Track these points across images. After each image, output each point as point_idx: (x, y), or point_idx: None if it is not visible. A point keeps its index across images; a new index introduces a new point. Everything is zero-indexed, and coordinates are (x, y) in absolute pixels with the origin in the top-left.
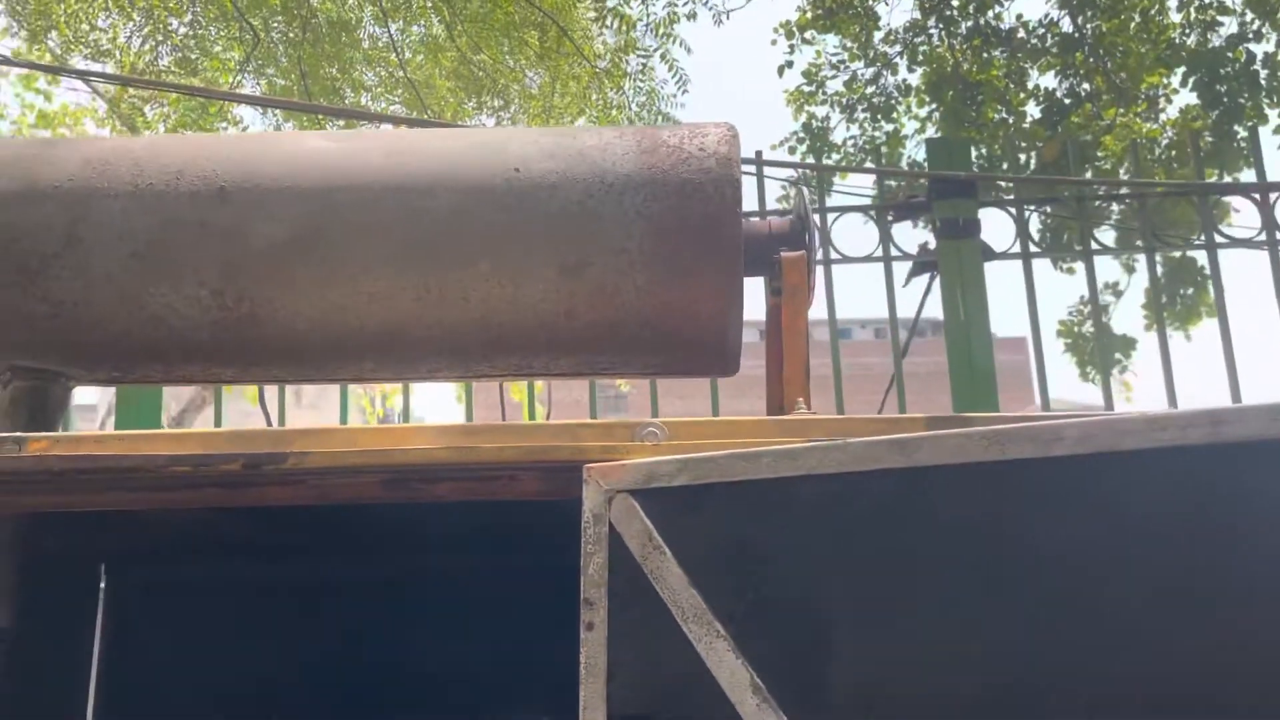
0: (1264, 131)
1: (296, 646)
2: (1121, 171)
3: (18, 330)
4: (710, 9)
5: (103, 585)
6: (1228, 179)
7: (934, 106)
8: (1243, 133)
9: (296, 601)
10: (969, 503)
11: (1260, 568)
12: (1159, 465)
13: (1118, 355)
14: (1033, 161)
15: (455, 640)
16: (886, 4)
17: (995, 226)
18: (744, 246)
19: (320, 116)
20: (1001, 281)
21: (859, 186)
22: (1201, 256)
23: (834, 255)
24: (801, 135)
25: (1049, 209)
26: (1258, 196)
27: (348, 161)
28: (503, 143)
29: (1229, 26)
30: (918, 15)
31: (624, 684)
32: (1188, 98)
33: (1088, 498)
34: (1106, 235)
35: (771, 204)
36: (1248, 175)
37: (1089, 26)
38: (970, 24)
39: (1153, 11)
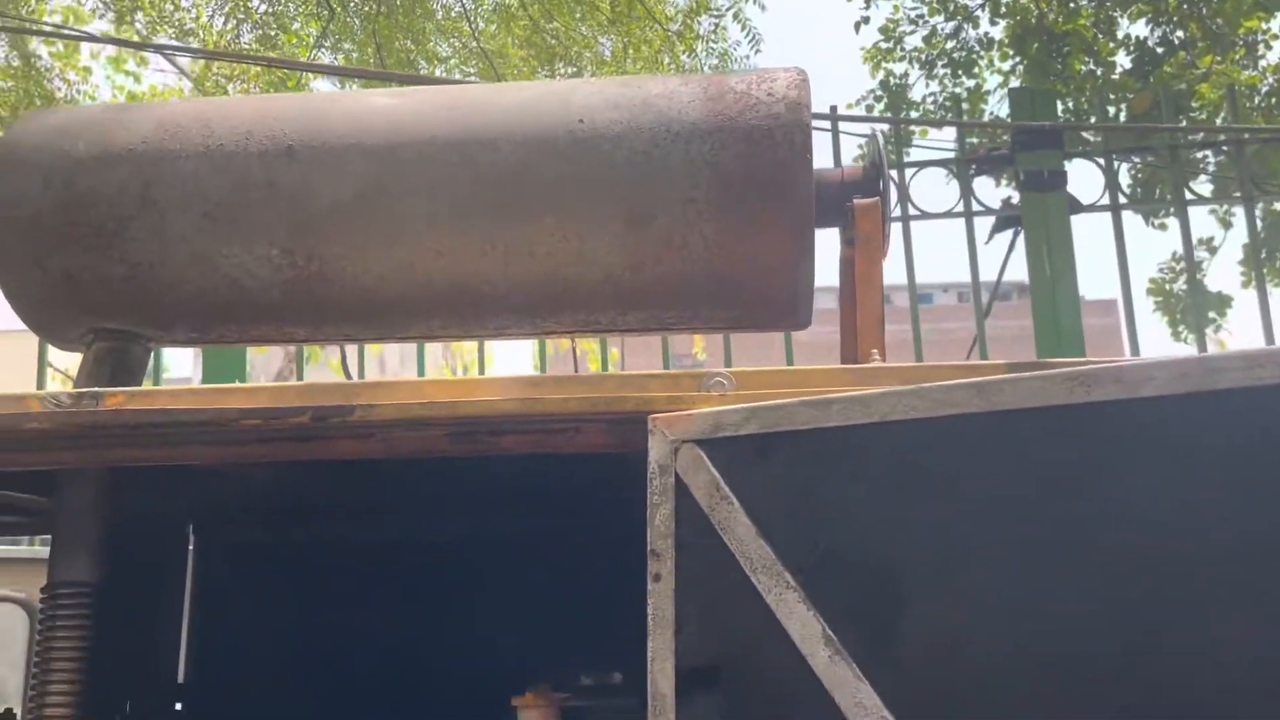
0: None
1: (374, 606)
2: (1218, 121)
3: (98, 292)
4: None
5: (191, 545)
6: None
7: (1017, 60)
8: None
9: (374, 561)
10: (1051, 449)
11: None
12: (1255, 405)
13: (1212, 314)
14: (1122, 115)
15: (525, 599)
16: None
17: (1082, 182)
18: (815, 195)
19: (396, 85)
20: (1089, 242)
21: (940, 142)
22: None
23: (913, 212)
24: (879, 93)
25: (1140, 160)
26: None
27: (411, 118)
28: (566, 94)
29: None
30: None
31: (692, 635)
32: None
33: (1178, 442)
34: (1202, 188)
35: (847, 164)
36: None
37: None
38: None
39: None
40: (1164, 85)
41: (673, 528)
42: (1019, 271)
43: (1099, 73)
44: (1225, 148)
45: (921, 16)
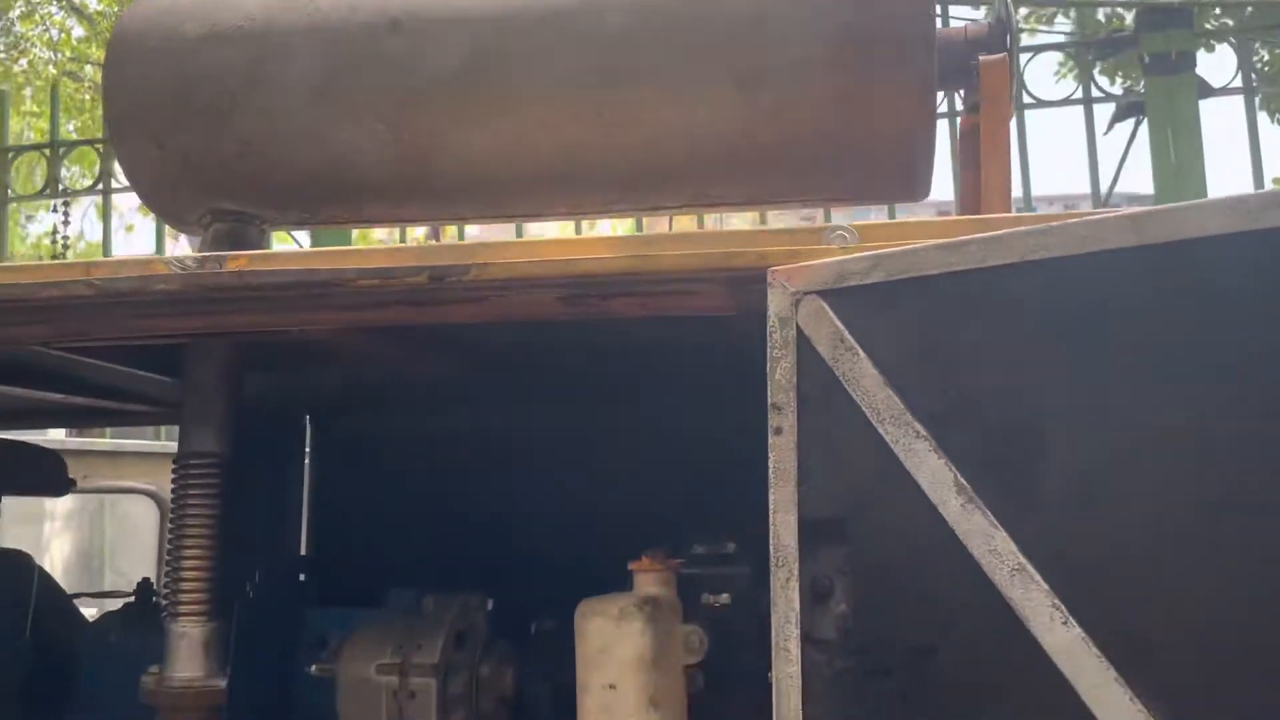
0: None
1: (488, 491)
2: None
3: (213, 171)
4: None
5: (308, 433)
6: None
7: None
8: None
9: (486, 446)
10: (1210, 283)
11: None
12: None
13: None
14: None
15: (639, 476)
16: None
17: (1210, 68)
18: (937, 54)
19: None
20: (1215, 137)
21: (1055, 31)
22: None
23: (1027, 100)
24: None
25: (1275, 42)
26: None
27: None
28: None
29: None
30: None
31: (815, 488)
32: None
33: None
34: None
35: None
36: None
37: None
38: None
39: None
40: None
41: (794, 381)
42: (1131, 182)
43: None
44: None
45: None
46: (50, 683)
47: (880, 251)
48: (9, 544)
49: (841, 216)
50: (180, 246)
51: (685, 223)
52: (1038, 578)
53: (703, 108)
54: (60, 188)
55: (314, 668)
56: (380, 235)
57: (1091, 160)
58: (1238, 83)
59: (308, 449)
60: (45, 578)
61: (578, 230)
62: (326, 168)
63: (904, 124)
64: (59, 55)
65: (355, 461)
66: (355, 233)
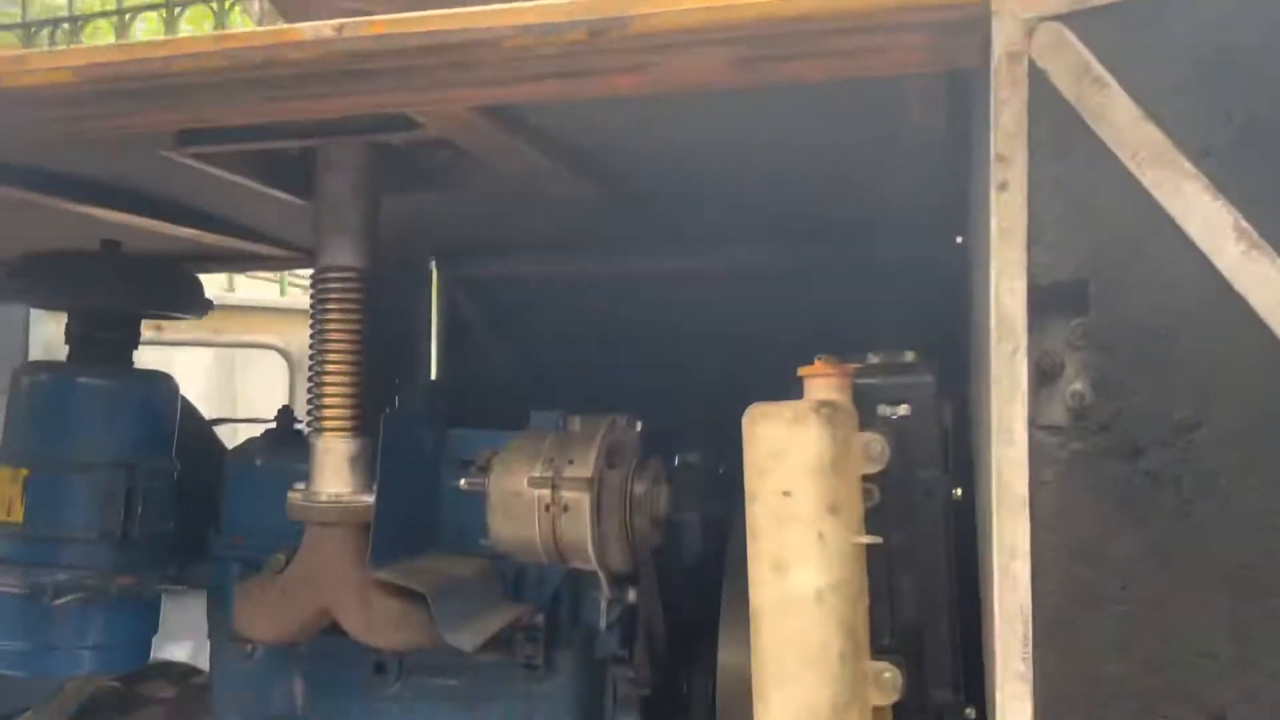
0: None
1: (618, 335)
2: None
3: None
4: None
5: (434, 277)
6: None
7: None
8: None
9: (614, 292)
10: None
11: None
12: None
13: None
14: None
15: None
16: None
17: None
18: None
19: None
20: None
21: None
22: None
23: None
24: None
25: None
26: None
27: None
28: None
29: None
30: None
31: (1049, 247)
32: None
33: None
34: None
35: None
36: None
37: None
38: None
39: None
40: None
41: (1024, 126)
42: None
43: None
44: None
45: None
46: (193, 505)
47: None
48: None
49: None
50: None
51: None
52: None
53: None
54: None
55: (462, 482)
56: None
57: None
58: None
59: (434, 285)
60: (186, 403)
61: None
62: None
63: None
64: None
65: (483, 298)
66: None
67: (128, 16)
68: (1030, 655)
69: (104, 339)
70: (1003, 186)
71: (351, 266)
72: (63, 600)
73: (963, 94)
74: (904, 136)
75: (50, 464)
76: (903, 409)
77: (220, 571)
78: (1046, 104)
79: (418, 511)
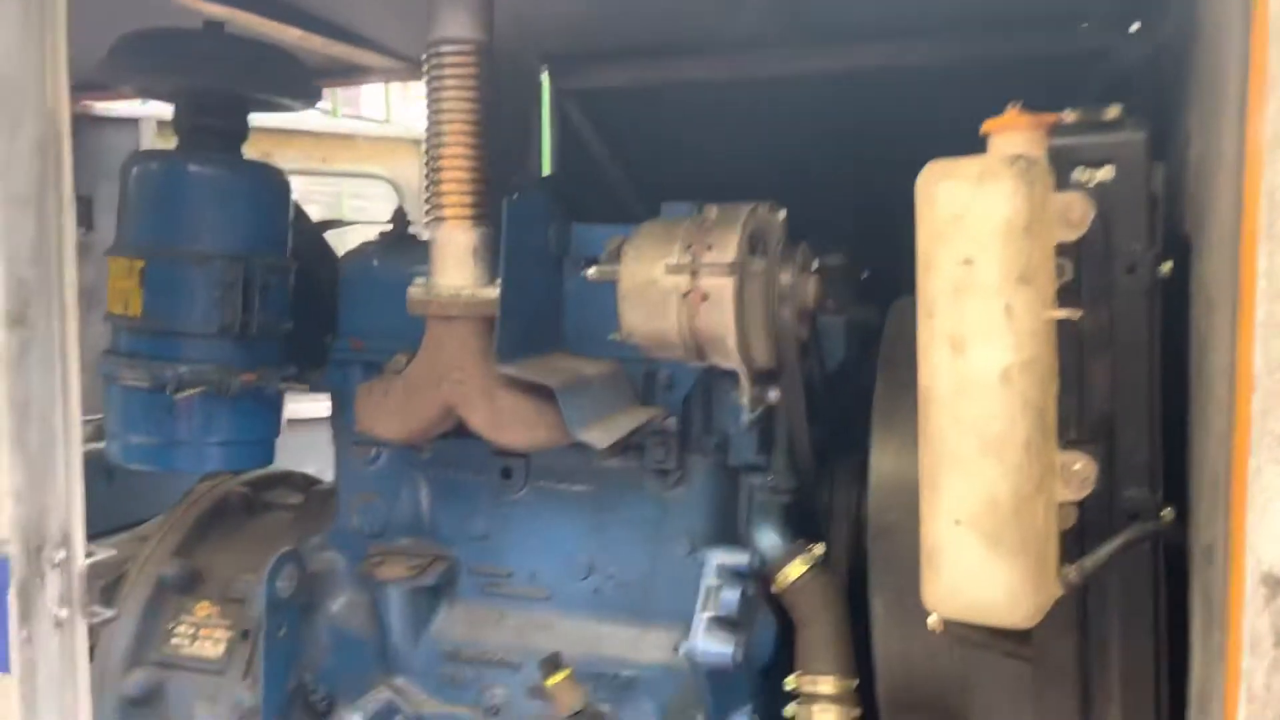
0: None
1: (741, 144)
2: None
3: None
4: None
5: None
6: None
7: None
8: None
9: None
10: None
11: None
12: None
13: None
14: None
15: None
16: None
17: None
18: None
19: None
20: None
21: None
22: None
23: None
24: None
25: None
26: None
27: None
28: None
29: None
30: None
31: None
32: None
33: None
34: None
35: None
36: None
37: None
38: None
39: None
40: None
41: None
42: None
43: None
44: None
45: None
46: (310, 308)
47: None
48: None
49: None
50: None
51: None
52: None
53: None
54: None
55: (592, 270)
56: None
57: None
58: None
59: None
60: (299, 207)
61: None
62: None
63: None
64: None
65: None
66: None
67: None
68: None
69: (213, 126)
70: None
71: (468, 39)
72: (184, 394)
73: None
74: None
75: (164, 255)
76: (1105, 172)
77: (340, 376)
78: None
79: (542, 308)
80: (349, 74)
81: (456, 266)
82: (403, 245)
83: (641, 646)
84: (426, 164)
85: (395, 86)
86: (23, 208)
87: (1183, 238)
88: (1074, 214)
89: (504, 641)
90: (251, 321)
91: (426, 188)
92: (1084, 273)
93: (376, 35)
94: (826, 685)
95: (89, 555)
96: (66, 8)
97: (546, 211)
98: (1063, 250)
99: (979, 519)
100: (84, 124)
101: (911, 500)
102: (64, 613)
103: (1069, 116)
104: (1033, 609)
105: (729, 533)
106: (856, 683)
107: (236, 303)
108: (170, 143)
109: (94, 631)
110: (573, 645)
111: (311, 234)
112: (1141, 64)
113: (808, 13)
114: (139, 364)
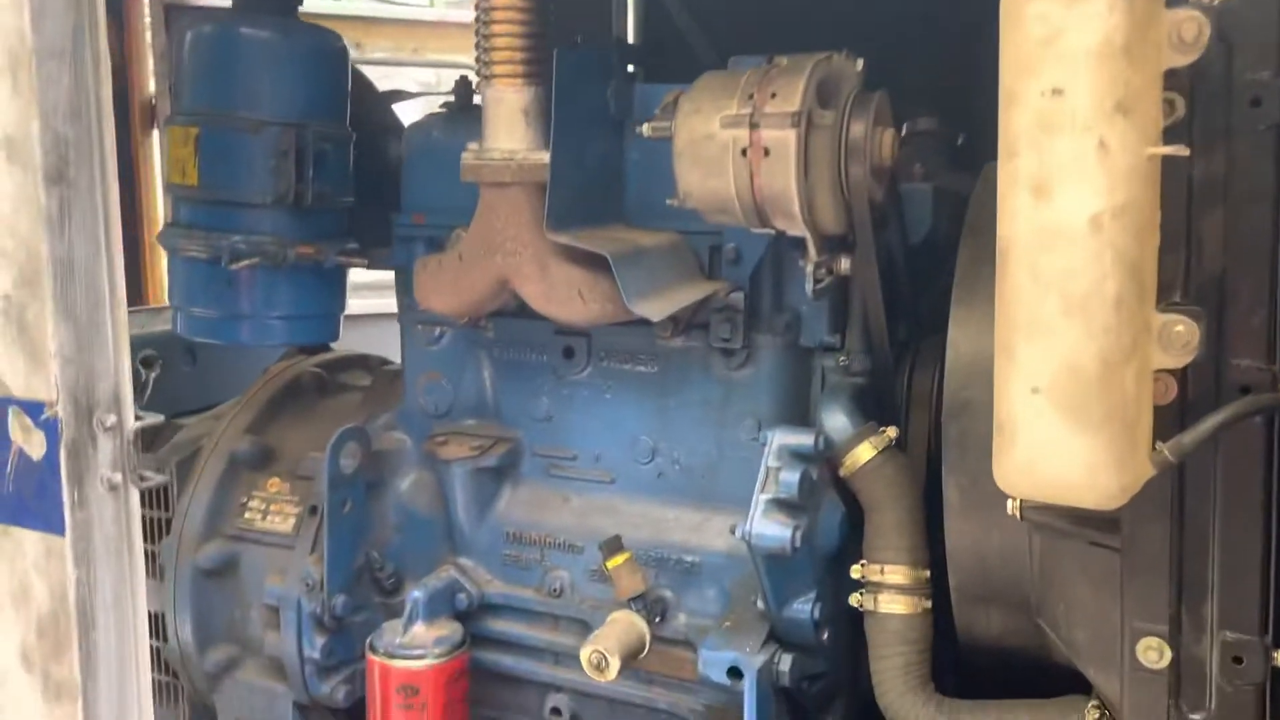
0: None
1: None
2: None
3: None
4: None
5: None
6: None
7: None
8: None
9: None
10: None
11: None
12: None
13: None
14: None
15: None
16: None
17: None
18: None
19: None
20: None
21: None
22: None
23: None
24: None
25: None
26: None
27: None
28: None
29: None
30: None
31: None
32: None
33: None
34: None
35: None
36: None
37: None
38: None
39: None
40: None
41: None
42: None
43: None
44: None
45: None
46: (373, 181)
47: None
48: None
49: None
50: None
51: None
52: None
53: None
54: None
55: (646, 127)
56: None
57: None
58: None
59: None
60: (360, 74)
61: None
62: None
63: None
64: None
65: None
66: None
67: None
68: None
69: None
70: None
71: None
72: (240, 265)
73: None
74: None
75: (218, 122)
76: None
77: (404, 252)
78: None
79: (601, 175)
80: None
81: (508, 129)
82: (466, 116)
83: (705, 532)
84: (477, 18)
85: None
86: (58, 60)
87: None
88: (1187, 34)
89: (566, 524)
90: (307, 191)
91: (477, 45)
92: (1196, 107)
93: None
94: (895, 574)
95: (137, 419)
96: None
97: (604, 68)
98: (1172, 81)
99: (1059, 387)
100: (177, 13)
101: (991, 376)
102: (117, 476)
103: None
104: (1117, 489)
105: (799, 417)
106: (927, 574)
107: (291, 172)
108: None
109: (172, 505)
110: (636, 529)
111: (377, 105)
112: None
113: None
114: (197, 235)
